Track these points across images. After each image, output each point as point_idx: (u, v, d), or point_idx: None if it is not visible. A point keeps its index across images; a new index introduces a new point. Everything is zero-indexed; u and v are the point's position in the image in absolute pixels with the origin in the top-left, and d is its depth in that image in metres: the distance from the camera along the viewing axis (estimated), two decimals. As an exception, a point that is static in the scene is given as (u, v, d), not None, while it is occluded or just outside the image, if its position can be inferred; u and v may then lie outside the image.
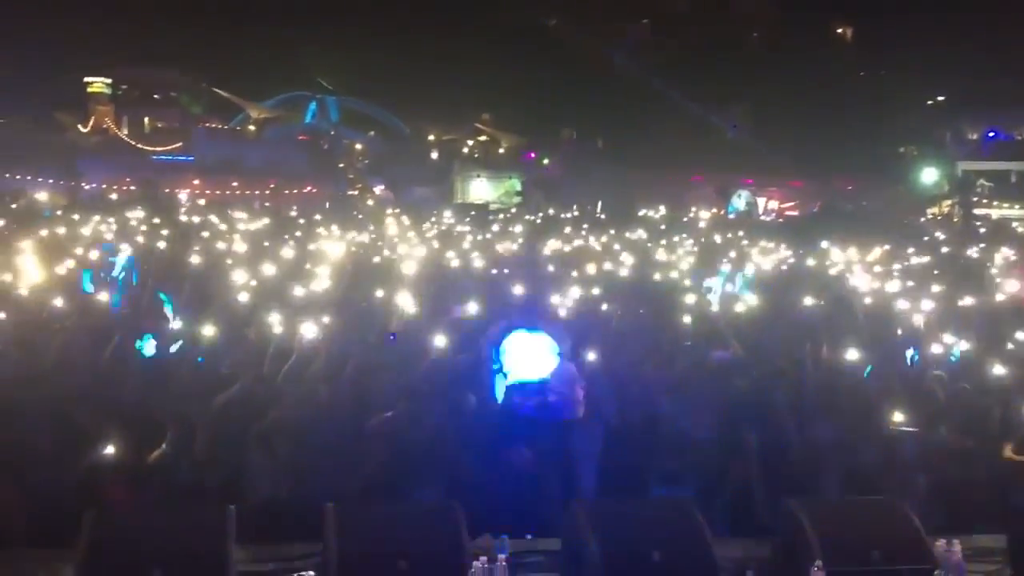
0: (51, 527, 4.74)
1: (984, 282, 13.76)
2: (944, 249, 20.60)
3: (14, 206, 24.03)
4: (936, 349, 8.12)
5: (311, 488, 5.34)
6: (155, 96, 60.00)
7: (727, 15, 65.52)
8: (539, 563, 4.72)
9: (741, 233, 24.30)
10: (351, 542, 4.10)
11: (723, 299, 10.55)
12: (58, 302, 8.01)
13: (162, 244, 15.10)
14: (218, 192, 43.26)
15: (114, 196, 33.64)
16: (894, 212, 36.43)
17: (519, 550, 4.50)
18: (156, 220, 20.45)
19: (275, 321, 7.25)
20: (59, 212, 23.71)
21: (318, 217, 24.82)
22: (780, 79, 53.80)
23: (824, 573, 4.01)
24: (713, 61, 57.35)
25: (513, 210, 38.80)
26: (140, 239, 15.80)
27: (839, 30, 67.40)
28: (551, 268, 13.44)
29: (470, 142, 60.65)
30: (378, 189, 49.96)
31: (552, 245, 18.04)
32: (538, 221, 29.43)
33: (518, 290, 9.50)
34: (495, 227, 25.05)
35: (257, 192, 44.07)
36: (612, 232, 23.14)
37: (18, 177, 39.75)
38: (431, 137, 60.42)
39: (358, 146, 58.01)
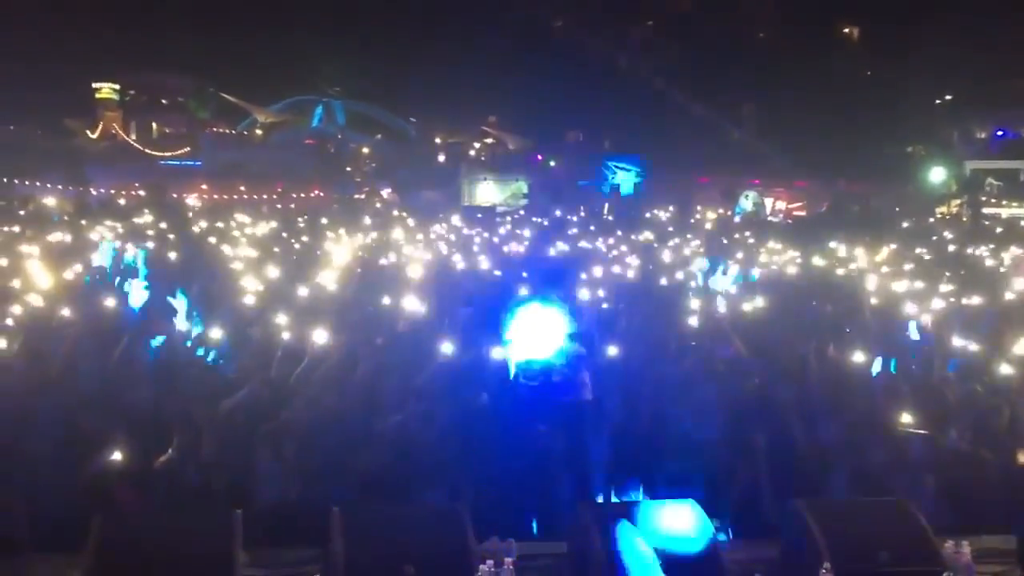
0: (59, 532, 4.75)
1: (993, 282, 13.71)
2: (952, 248, 20.53)
3: (22, 212, 24.11)
4: (944, 350, 8.11)
5: (318, 491, 5.34)
6: (163, 101, 60.30)
7: (733, 16, 65.46)
8: (546, 566, 4.71)
9: (748, 233, 24.27)
10: (357, 546, 4.09)
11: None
12: (66, 308, 8.03)
13: (171, 248, 15.16)
14: (225, 196, 43.41)
15: (122, 201, 33.73)
16: (902, 212, 36.36)
17: (526, 553, 4.50)
18: (164, 224, 20.52)
19: (283, 324, 7.27)
20: (66, 217, 23.79)
21: (325, 220, 24.88)
22: (786, 79, 53.69)
23: (832, 574, 4.00)
24: (719, 62, 57.27)
25: (521, 212, 38.83)
26: (149, 243, 15.84)
27: (845, 30, 67.26)
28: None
29: (477, 144, 60.73)
30: (385, 192, 50.06)
31: (559, 247, 18.05)
32: (545, 223, 29.44)
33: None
34: (502, 229, 25.08)
35: (264, 196, 44.22)
36: (619, 233, 23.15)
37: (27, 183, 39.93)
38: (438, 140, 60.52)
39: (365, 149, 58.12)
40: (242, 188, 46.62)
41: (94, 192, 41.31)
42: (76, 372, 6.36)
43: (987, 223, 35.23)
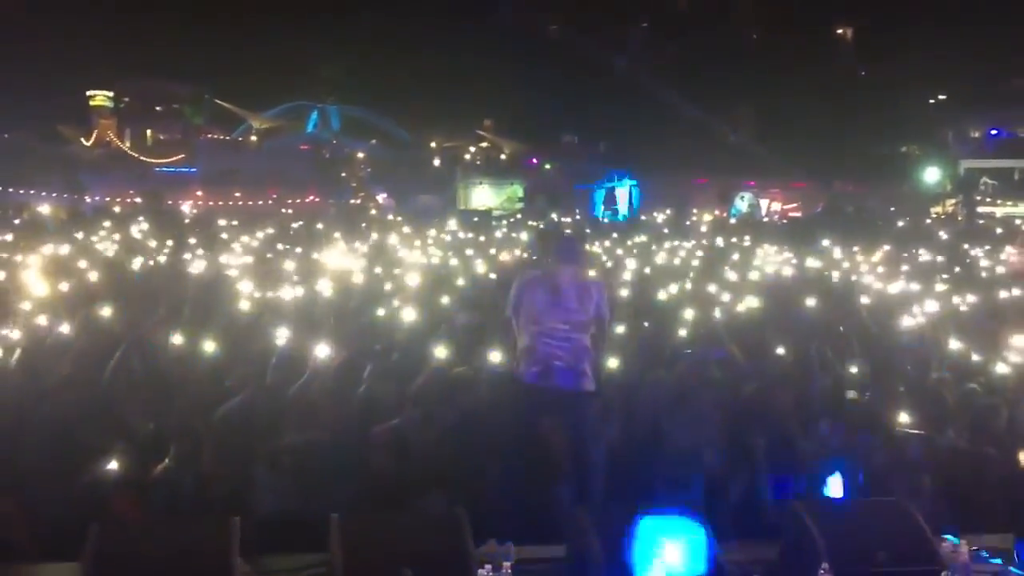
0: (55, 541, 4.74)
1: (989, 281, 13.74)
2: (949, 248, 20.56)
3: (17, 221, 24.05)
4: (941, 350, 8.13)
5: (316, 498, 5.33)
6: (157, 108, 60.21)
7: (727, 17, 65.58)
8: (545, 570, 4.71)
9: (747, 237, 24.29)
10: (356, 552, 4.09)
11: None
12: (62, 319, 8.01)
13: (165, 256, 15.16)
14: (221, 203, 43.38)
15: (117, 209, 33.68)
16: (897, 212, 36.41)
17: (524, 557, 4.49)
18: (160, 232, 20.48)
19: (278, 332, 7.26)
20: (60, 227, 23.70)
21: (320, 226, 24.85)
22: (781, 80, 53.79)
23: (831, 575, 4.00)
24: (714, 64, 57.36)
25: (518, 215, 38.85)
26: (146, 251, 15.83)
27: (839, 31, 67.40)
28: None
29: (472, 149, 60.74)
30: (381, 197, 50.04)
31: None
32: (541, 227, 29.44)
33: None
34: (498, 233, 25.07)
35: (260, 202, 44.18)
36: (615, 236, 23.16)
37: (21, 191, 39.87)
38: (433, 144, 60.51)
39: (360, 154, 58.09)
40: (237, 194, 46.60)
41: (89, 199, 41.26)
42: (73, 381, 6.34)
43: (982, 222, 35.32)
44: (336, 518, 4.24)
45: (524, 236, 23.07)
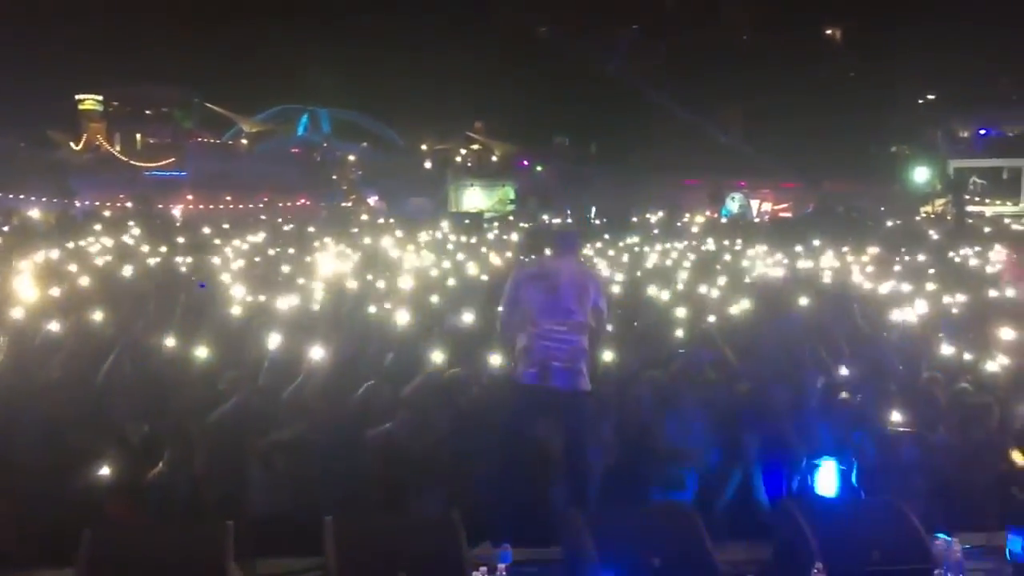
0: (49, 546, 4.72)
1: (979, 281, 13.79)
2: (938, 248, 20.64)
3: (6, 228, 23.90)
4: (932, 349, 8.15)
5: (310, 502, 5.33)
6: (147, 112, 60.04)
7: (717, 19, 65.71)
8: (540, 572, 4.71)
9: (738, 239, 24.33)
10: (351, 555, 4.09)
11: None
12: (53, 323, 7.98)
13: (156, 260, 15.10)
14: (212, 206, 43.28)
15: (107, 213, 33.54)
16: (887, 212, 36.53)
17: (520, 559, 4.49)
18: (152, 236, 20.41)
19: (271, 334, 7.24)
20: (50, 231, 23.60)
21: (312, 230, 24.81)
22: (771, 82, 53.90)
23: (824, 574, 4.01)
24: (704, 65, 57.47)
25: (511, 218, 38.86)
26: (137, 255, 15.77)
27: (829, 31, 67.59)
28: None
29: (463, 151, 60.71)
30: (372, 200, 49.99)
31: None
32: (529, 227, 29.44)
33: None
34: (490, 235, 25.06)
35: (251, 206, 44.09)
36: (607, 237, 23.17)
37: (11, 196, 39.69)
38: (424, 147, 60.47)
39: (351, 157, 58.01)
40: (228, 198, 46.50)
41: (79, 204, 41.12)
42: (66, 384, 6.32)
43: (971, 221, 35.46)
44: (330, 521, 4.24)
45: (516, 238, 23.07)
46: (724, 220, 39.82)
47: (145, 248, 17.56)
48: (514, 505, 5.60)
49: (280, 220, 29.52)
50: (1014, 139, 51.87)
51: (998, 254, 18.30)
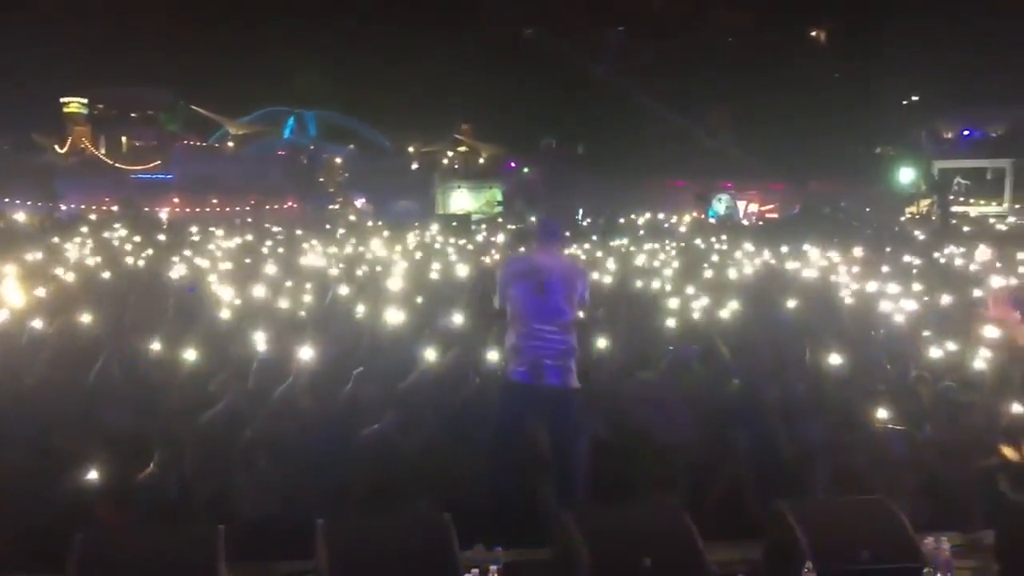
0: (39, 549, 4.70)
1: (964, 280, 13.88)
2: (924, 248, 20.76)
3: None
4: (919, 348, 8.20)
5: (301, 504, 5.31)
6: (132, 115, 59.72)
7: (703, 21, 65.85)
8: (532, 573, 4.71)
9: (724, 237, 24.43)
10: (342, 558, 4.08)
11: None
12: (38, 325, 7.94)
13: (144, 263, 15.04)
14: (198, 209, 43.12)
15: (93, 216, 33.38)
16: (873, 212, 36.71)
17: (511, 561, 4.49)
18: (137, 239, 20.34)
19: (259, 337, 7.23)
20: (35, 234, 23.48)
21: (300, 232, 24.76)
22: (756, 83, 54.04)
23: (814, 574, 4.02)
24: (690, 67, 57.60)
25: (499, 220, 38.86)
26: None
27: (813, 32, 67.85)
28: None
29: (450, 153, 60.66)
30: (359, 202, 49.90)
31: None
32: (516, 227, 29.43)
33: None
34: (479, 237, 25.06)
35: (237, 208, 43.94)
36: (594, 238, 23.21)
37: (-5, 200, 39.45)
38: (411, 149, 60.39)
39: (338, 160, 57.89)
40: (214, 200, 46.35)
41: (64, 207, 40.91)
42: (54, 387, 6.29)
43: (955, 222, 35.68)
44: (322, 524, 4.22)
45: (503, 239, 23.07)
46: (712, 221, 39.93)
47: (128, 248, 17.51)
48: (506, 505, 5.60)
49: (267, 225, 29.45)
50: (998, 140, 52.22)
51: (982, 254, 18.40)
